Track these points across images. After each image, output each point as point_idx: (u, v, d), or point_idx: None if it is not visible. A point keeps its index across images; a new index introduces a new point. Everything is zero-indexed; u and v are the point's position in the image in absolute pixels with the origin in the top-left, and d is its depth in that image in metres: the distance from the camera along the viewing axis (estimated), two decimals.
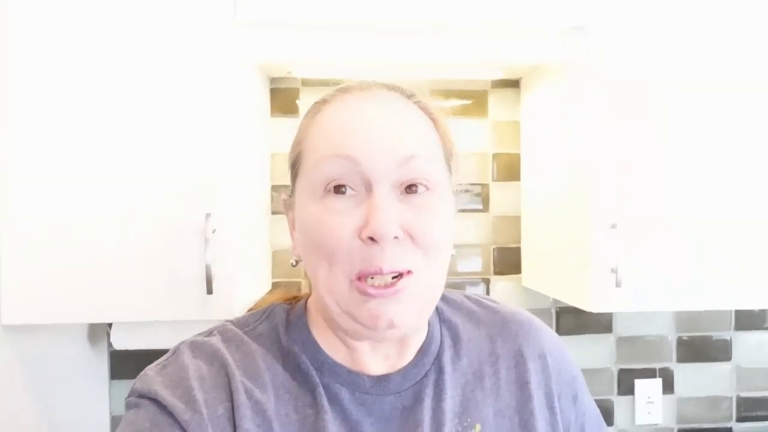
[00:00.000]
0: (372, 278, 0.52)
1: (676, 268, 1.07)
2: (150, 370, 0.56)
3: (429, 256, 0.53)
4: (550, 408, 0.62)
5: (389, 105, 0.57)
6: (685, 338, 1.47)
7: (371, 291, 0.52)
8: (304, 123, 0.60)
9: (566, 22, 1.08)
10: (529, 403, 0.61)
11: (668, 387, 1.46)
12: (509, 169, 1.44)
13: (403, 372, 0.59)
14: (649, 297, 1.07)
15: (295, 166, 0.59)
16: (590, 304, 1.08)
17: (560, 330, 1.43)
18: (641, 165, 1.07)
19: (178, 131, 0.98)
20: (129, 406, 0.55)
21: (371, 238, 0.51)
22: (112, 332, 1.15)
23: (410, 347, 0.60)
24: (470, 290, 1.42)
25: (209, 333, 0.61)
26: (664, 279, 1.07)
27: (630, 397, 1.45)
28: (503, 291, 1.43)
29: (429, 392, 0.58)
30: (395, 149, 0.53)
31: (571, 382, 0.66)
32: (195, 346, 0.58)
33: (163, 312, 0.97)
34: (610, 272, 1.05)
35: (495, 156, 1.44)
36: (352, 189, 0.53)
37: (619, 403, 1.45)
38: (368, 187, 0.52)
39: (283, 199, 0.63)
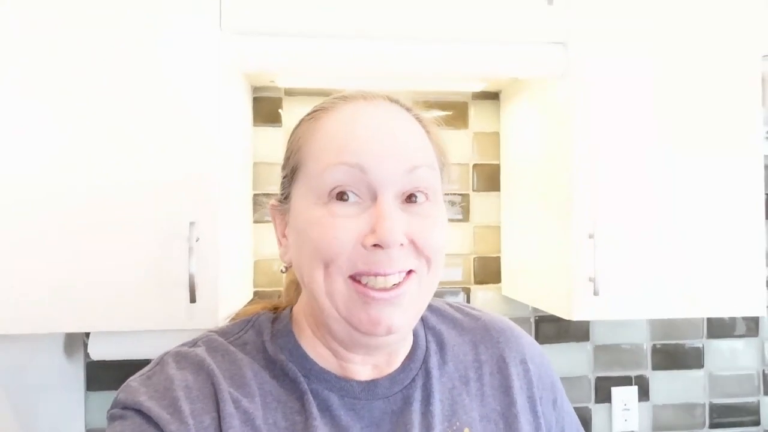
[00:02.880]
0: (374, 278, 0.53)
1: (652, 277, 1.10)
2: (134, 381, 0.55)
3: (430, 262, 0.55)
4: (533, 412, 0.64)
5: (392, 114, 0.58)
6: (660, 346, 1.50)
7: (373, 294, 0.52)
8: (303, 129, 0.59)
9: (547, 38, 1.11)
10: (513, 408, 0.62)
11: (644, 394, 1.49)
12: (489, 180, 1.46)
13: (391, 377, 0.60)
14: (626, 305, 1.09)
15: (293, 173, 0.58)
16: (569, 312, 1.10)
17: (539, 338, 1.45)
18: (619, 176, 1.10)
19: (163, 139, 0.97)
20: (113, 418, 0.54)
21: (376, 245, 0.52)
22: (90, 342, 1.13)
23: (399, 354, 0.62)
24: (451, 299, 1.43)
25: (194, 343, 0.60)
26: (640, 288, 1.10)
27: (607, 404, 1.47)
28: (483, 300, 1.45)
29: (417, 396, 0.59)
30: (401, 158, 0.54)
31: (551, 387, 0.68)
32: (180, 357, 0.57)
33: (146, 321, 0.96)
34: (588, 281, 1.08)
35: (475, 166, 1.46)
36: (357, 196, 0.53)
37: (597, 411, 1.47)
38: (373, 195, 0.53)
39: (272, 205, 0.62)
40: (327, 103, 0.60)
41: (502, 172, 1.46)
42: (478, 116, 1.46)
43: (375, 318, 0.53)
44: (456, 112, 1.45)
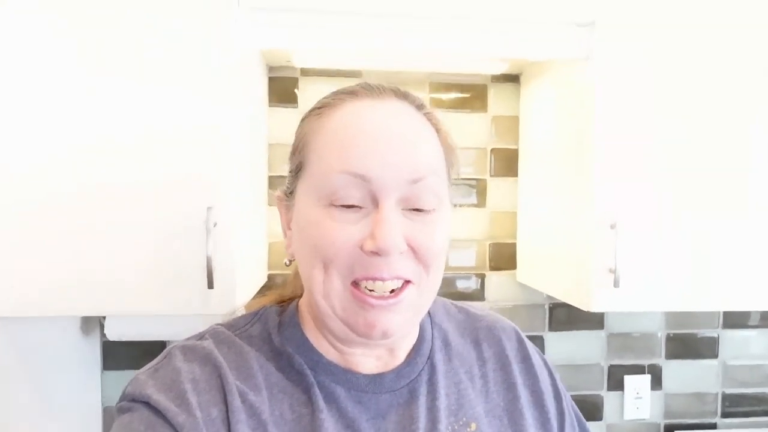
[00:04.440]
0: (372, 283, 0.53)
1: (674, 270, 1.09)
2: (142, 374, 0.56)
3: (429, 268, 0.55)
4: (540, 406, 0.65)
5: (400, 118, 0.56)
6: (674, 335, 1.49)
7: (371, 301, 0.53)
8: (309, 125, 0.59)
9: (573, 19, 1.07)
10: (517, 403, 0.63)
11: (656, 383, 1.48)
12: (507, 164, 1.44)
13: (397, 371, 0.60)
14: (646, 297, 1.08)
15: (297, 169, 0.59)
16: (588, 303, 1.08)
17: (553, 325, 1.44)
18: (643, 165, 1.08)
19: (180, 121, 0.95)
20: (121, 410, 0.54)
21: (375, 252, 0.52)
22: (107, 323, 1.14)
23: (401, 349, 0.62)
24: (464, 284, 1.42)
25: (200, 336, 0.60)
26: (660, 280, 1.08)
27: (619, 392, 1.47)
28: (497, 286, 1.44)
29: (423, 390, 0.60)
30: (406, 167, 0.53)
31: (554, 383, 0.70)
32: (187, 349, 0.57)
33: (163, 306, 0.95)
34: (608, 272, 1.06)
35: (493, 151, 1.43)
36: (359, 205, 0.53)
37: (609, 398, 1.47)
38: (375, 202, 0.53)
39: (278, 197, 0.63)
40: (333, 98, 0.59)
41: (521, 157, 1.43)
42: (498, 99, 1.43)
43: (371, 322, 0.54)
44: (475, 94, 1.42)
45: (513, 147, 1.44)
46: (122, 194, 0.94)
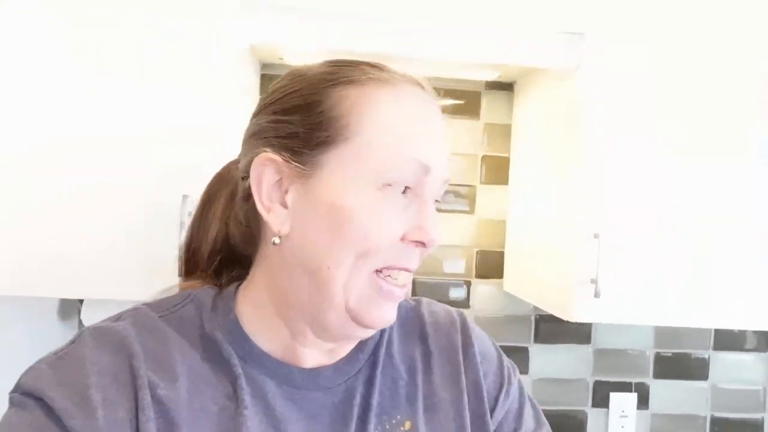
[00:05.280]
0: (398, 273, 0.52)
1: (658, 283, 1.06)
2: (44, 361, 0.50)
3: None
4: (479, 399, 0.61)
5: (440, 112, 0.56)
6: (664, 354, 1.46)
7: (397, 292, 0.52)
8: (355, 94, 0.51)
9: (563, 28, 1.07)
10: (462, 396, 0.60)
11: (643, 402, 1.45)
12: (498, 172, 1.43)
13: (336, 367, 0.57)
14: (628, 310, 1.06)
15: (332, 139, 0.50)
16: (568, 313, 1.06)
17: (539, 338, 1.42)
18: (629, 176, 1.06)
19: (177, 119, 0.96)
20: (12, 402, 0.49)
21: (422, 243, 0.51)
22: (83, 308, 1.13)
23: (351, 344, 0.59)
24: (450, 291, 1.41)
25: (118, 317, 0.54)
26: (645, 293, 1.06)
27: (604, 409, 1.44)
28: (483, 295, 1.42)
29: (360, 389, 0.57)
30: (446, 167, 0.54)
31: (500, 375, 0.64)
32: (99, 333, 0.51)
33: (137, 292, 0.94)
34: (590, 282, 1.04)
35: (484, 158, 1.42)
36: (412, 191, 0.52)
37: (593, 415, 1.44)
38: (420, 193, 0.52)
39: (271, 159, 0.51)
40: (379, 73, 0.53)
41: (512, 165, 1.42)
42: (491, 107, 1.42)
43: (386, 314, 0.53)
44: (468, 101, 1.41)
45: (504, 155, 1.43)
46: (117, 188, 0.95)
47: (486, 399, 0.61)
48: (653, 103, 1.06)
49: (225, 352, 0.53)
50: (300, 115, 0.52)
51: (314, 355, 0.56)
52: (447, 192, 1.41)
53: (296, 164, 0.51)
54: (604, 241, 1.04)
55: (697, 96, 1.07)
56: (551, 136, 1.20)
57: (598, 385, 1.44)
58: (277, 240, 0.52)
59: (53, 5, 0.94)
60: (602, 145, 1.06)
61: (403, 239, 0.51)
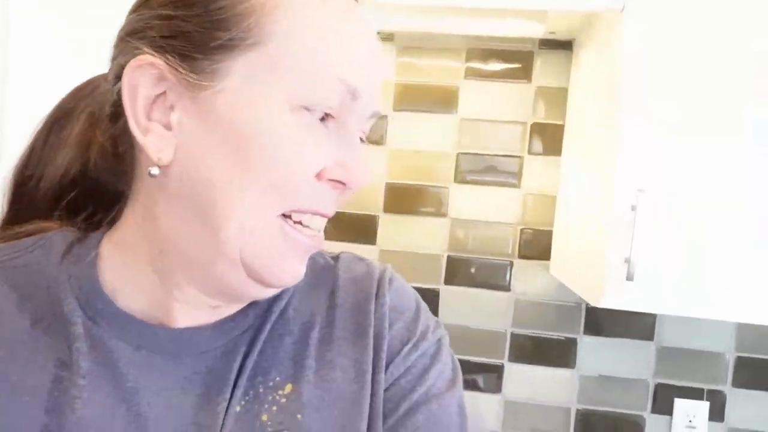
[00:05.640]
0: (311, 218, 0.42)
1: (710, 266, 0.88)
2: None
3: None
4: (378, 353, 0.48)
5: (375, 31, 0.45)
6: (747, 359, 1.23)
7: (307, 242, 0.43)
8: None
9: None
10: (366, 355, 0.48)
11: (717, 413, 1.23)
12: (550, 142, 1.28)
13: (216, 326, 0.46)
14: (665, 297, 0.89)
15: (234, 43, 0.39)
16: (597, 297, 0.92)
17: (590, 329, 1.26)
18: (674, 138, 0.89)
19: None
20: None
21: (342, 183, 0.42)
22: None
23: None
24: (490, 272, 1.29)
25: None
26: (686, 278, 0.88)
27: (666, 417, 1.24)
28: (526, 278, 1.28)
29: (242, 350, 0.46)
30: (377, 98, 0.45)
31: (411, 331, 0.50)
32: None
33: None
34: (623, 262, 0.89)
35: (534, 126, 1.28)
36: (334, 119, 0.42)
37: (652, 423, 1.25)
38: (344, 122, 0.42)
39: (151, 63, 0.40)
40: None
41: (566, 133, 1.26)
42: (545, 68, 1.27)
43: (292, 269, 0.43)
44: (518, 62, 1.27)
45: (558, 122, 1.27)
46: None
47: (385, 351, 0.48)
48: (707, 50, 0.88)
49: (66, 309, 0.44)
50: (194, 9, 0.40)
51: (191, 312, 0.45)
52: (487, 164, 1.31)
53: (186, 73, 0.39)
54: (641, 213, 0.88)
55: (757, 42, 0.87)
56: (597, 97, 1.04)
57: (660, 388, 1.25)
58: (155, 170, 0.41)
59: (58, 7, 0.95)
60: (645, 100, 0.89)
61: (319, 177, 0.41)
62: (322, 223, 0.44)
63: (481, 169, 1.29)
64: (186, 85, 0.40)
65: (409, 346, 0.49)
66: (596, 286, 0.93)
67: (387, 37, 1.29)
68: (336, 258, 0.54)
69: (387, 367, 0.48)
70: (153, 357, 0.44)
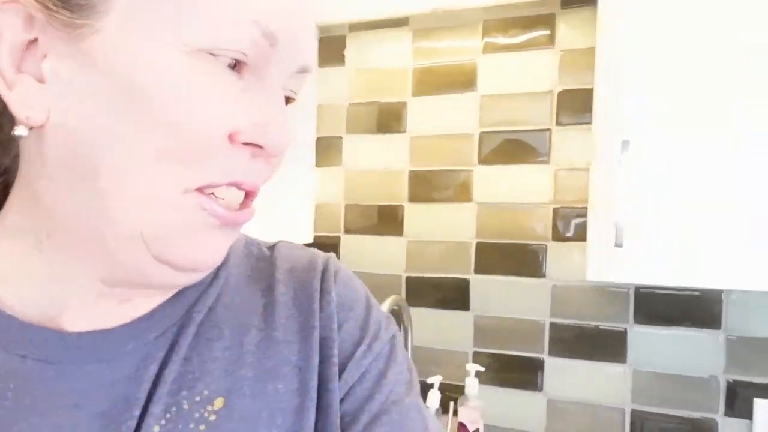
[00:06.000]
0: (226, 190, 0.35)
1: (698, 234, 0.73)
2: None
3: (270, 176, 0.39)
4: (328, 357, 0.43)
5: None
6: None
7: (226, 216, 0.35)
8: None
9: None
10: (311, 358, 0.42)
11: None
12: (580, 109, 1.15)
13: (126, 328, 0.38)
14: (658, 267, 0.75)
15: None
16: (587, 269, 0.80)
17: (641, 317, 1.09)
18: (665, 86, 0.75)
19: None
20: None
21: (258, 146, 0.35)
22: None
23: (163, 294, 0.40)
24: (522, 257, 1.18)
25: None
26: (680, 246, 0.73)
27: (745, 421, 1.03)
28: (562, 260, 1.15)
29: (159, 357, 0.38)
30: (307, 49, 0.37)
31: (363, 329, 0.45)
32: None
33: None
34: (612, 226, 0.77)
35: (561, 94, 1.16)
36: (244, 72, 0.34)
37: (727, 427, 1.04)
38: (263, 74, 0.35)
39: (19, 2, 0.32)
40: None
41: (596, 99, 1.12)
42: (569, 29, 1.16)
43: (212, 249, 0.36)
44: (539, 26, 1.17)
45: (587, 86, 1.14)
46: None
47: (336, 356, 0.43)
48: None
49: None
50: None
51: (92, 312, 0.38)
52: (512, 140, 1.21)
53: (61, 13, 0.32)
54: (631, 165, 0.75)
55: None
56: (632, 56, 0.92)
57: (735, 386, 1.04)
58: (20, 130, 0.34)
59: None
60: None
61: (231, 139, 0.33)
62: (239, 196, 0.36)
63: (506, 147, 1.20)
64: (59, 26, 0.32)
65: (363, 347, 0.44)
66: (586, 255, 0.81)
67: (401, 22, 1.27)
68: (272, 247, 0.48)
69: (340, 374, 0.42)
70: (44, 367, 0.36)
